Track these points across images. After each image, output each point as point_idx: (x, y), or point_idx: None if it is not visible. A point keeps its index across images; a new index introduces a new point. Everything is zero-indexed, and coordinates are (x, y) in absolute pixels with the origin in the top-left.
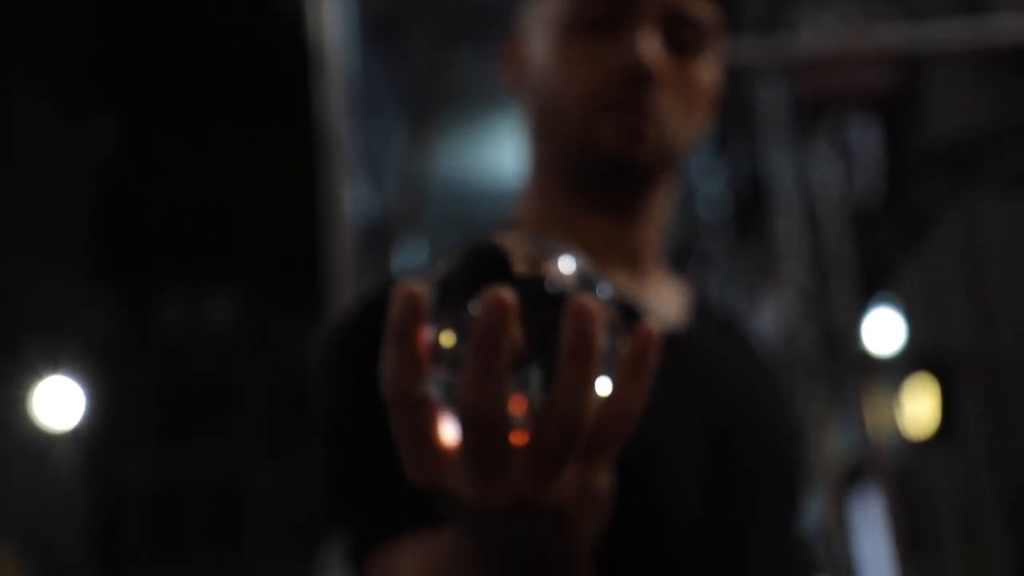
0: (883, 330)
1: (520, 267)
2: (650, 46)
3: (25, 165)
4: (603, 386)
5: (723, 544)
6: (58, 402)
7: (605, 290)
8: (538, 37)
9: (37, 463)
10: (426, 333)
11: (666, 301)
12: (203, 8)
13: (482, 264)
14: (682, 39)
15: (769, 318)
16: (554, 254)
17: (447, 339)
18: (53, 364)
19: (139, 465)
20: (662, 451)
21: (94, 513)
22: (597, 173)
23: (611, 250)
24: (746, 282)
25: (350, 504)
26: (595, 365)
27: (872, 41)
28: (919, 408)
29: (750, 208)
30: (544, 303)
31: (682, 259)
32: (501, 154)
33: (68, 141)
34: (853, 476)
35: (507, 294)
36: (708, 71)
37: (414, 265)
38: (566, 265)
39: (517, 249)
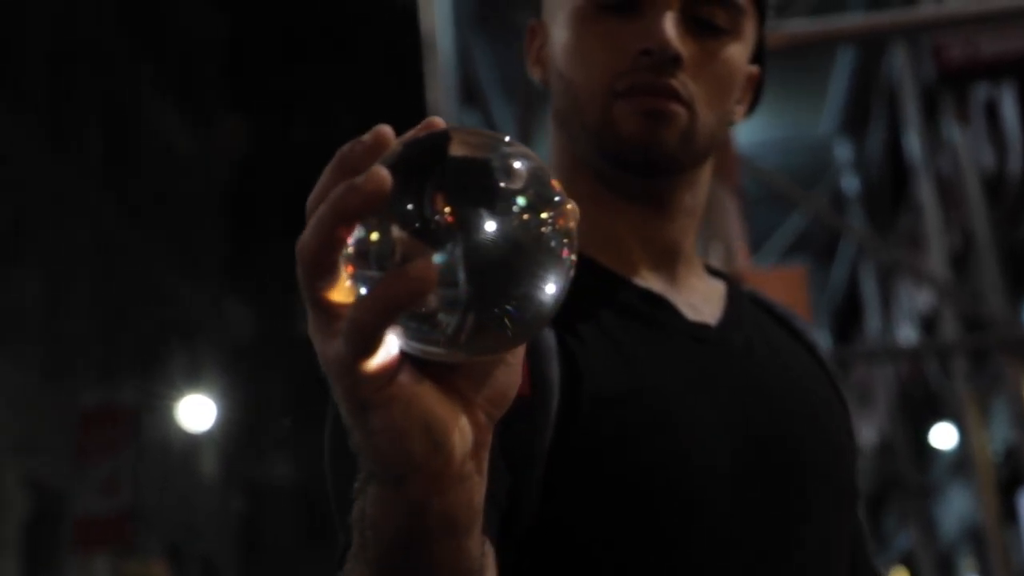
0: None
1: (456, 150)
2: (675, 27)
3: (158, 170)
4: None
5: (755, 550)
6: (199, 409)
7: (547, 194)
8: (556, 18)
9: (182, 467)
10: None
11: (701, 297)
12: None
13: (422, 146)
14: (710, 17)
15: (910, 302)
16: (503, 147)
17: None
18: (194, 370)
19: (277, 466)
20: (688, 448)
21: (237, 512)
22: (619, 161)
23: (641, 245)
24: (887, 264)
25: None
26: (335, 219)
27: (1013, 3)
28: None
29: (891, 188)
30: (466, 181)
31: (829, 242)
32: None
33: (199, 142)
34: (1015, 472)
35: (387, 131)
36: (739, 51)
37: None
38: (510, 158)
39: (462, 136)
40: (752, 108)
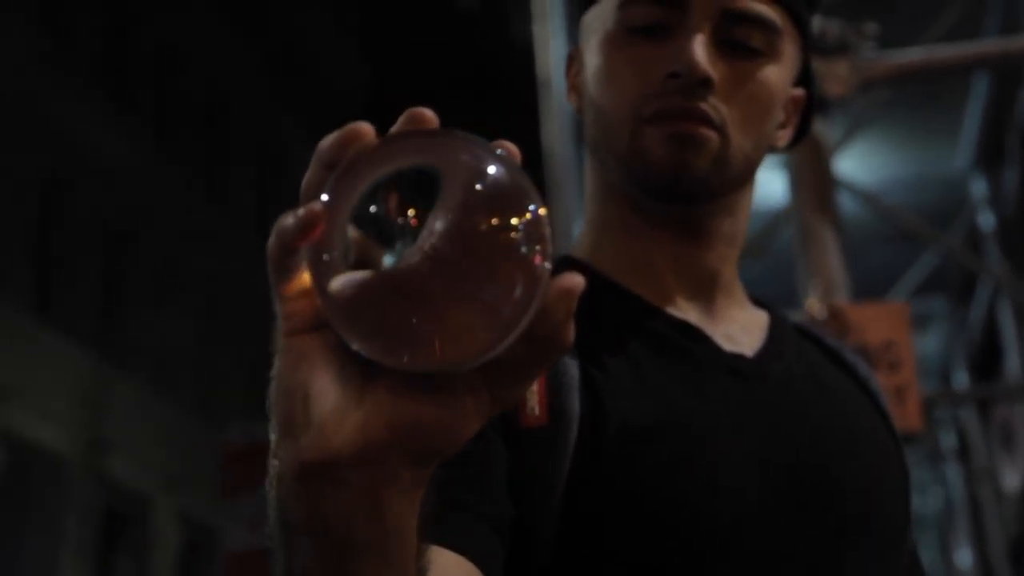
0: None
1: (420, 152)
2: (705, 49)
3: None
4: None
5: None
6: None
7: (518, 199)
8: (590, 44)
9: None
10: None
11: (740, 328)
12: (455, 48)
13: (386, 147)
14: (744, 39)
15: None
16: (473, 149)
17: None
18: None
19: None
20: (715, 481)
21: None
22: (649, 188)
23: (676, 274)
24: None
25: None
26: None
27: None
28: None
29: None
30: (422, 182)
31: (966, 280)
32: None
33: None
34: None
35: (359, 128)
36: (777, 73)
37: None
38: (479, 162)
39: (431, 138)
40: (801, 133)
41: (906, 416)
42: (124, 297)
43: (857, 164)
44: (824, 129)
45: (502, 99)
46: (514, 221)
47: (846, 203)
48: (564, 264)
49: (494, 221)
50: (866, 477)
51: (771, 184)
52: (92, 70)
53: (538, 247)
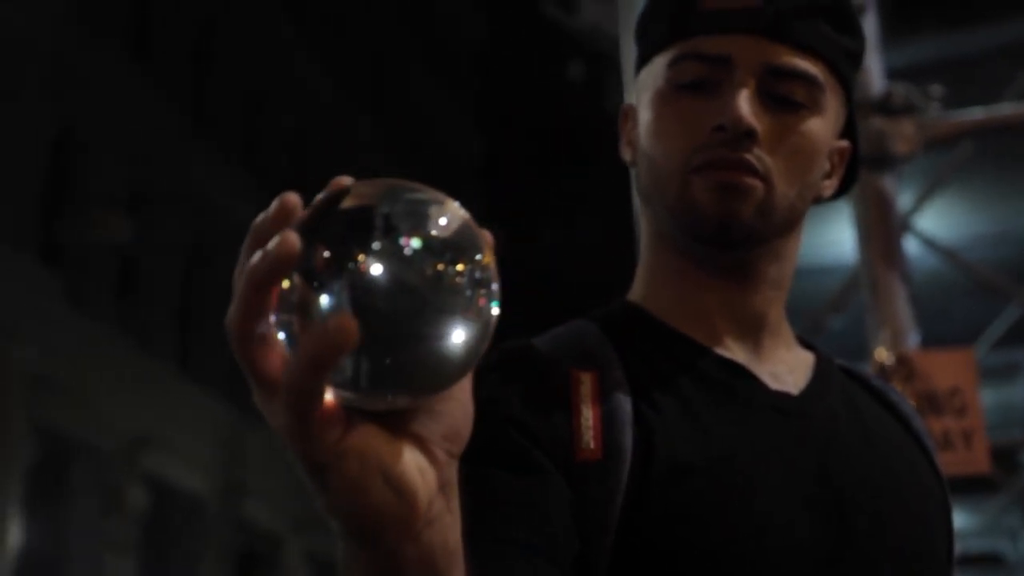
0: None
1: (347, 202)
2: (749, 103)
3: None
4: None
5: None
6: None
7: (457, 240)
8: (642, 100)
9: None
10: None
11: (786, 367)
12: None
13: (321, 203)
14: (788, 93)
15: None
16: (406, 195)
17: (285, 281)
18: None
19: None
20: (762, 518)
21: None
22: (697, 235)
23: (725, 317)
24: None
25: None
26: (257, 294)
27: None
28: None
29: None
30: (345, 229)
31: None
32: (830, 232)
33: None
34: None
35: (291, 198)
36: (819, 125)
37: None
38: (415, 206)
39: (360, 189)
40: (847, 183)
41: (974, 460)
42: None
43: (939, 221)
44: (891, 185)
45: (600, 163)
46: (459, 267)
47: (928, 259)
48: (620, 308)
49: (421, 261)
50: (907, 513)
51: (848, 242)
52: (232, 146)
53: (482, 290)
